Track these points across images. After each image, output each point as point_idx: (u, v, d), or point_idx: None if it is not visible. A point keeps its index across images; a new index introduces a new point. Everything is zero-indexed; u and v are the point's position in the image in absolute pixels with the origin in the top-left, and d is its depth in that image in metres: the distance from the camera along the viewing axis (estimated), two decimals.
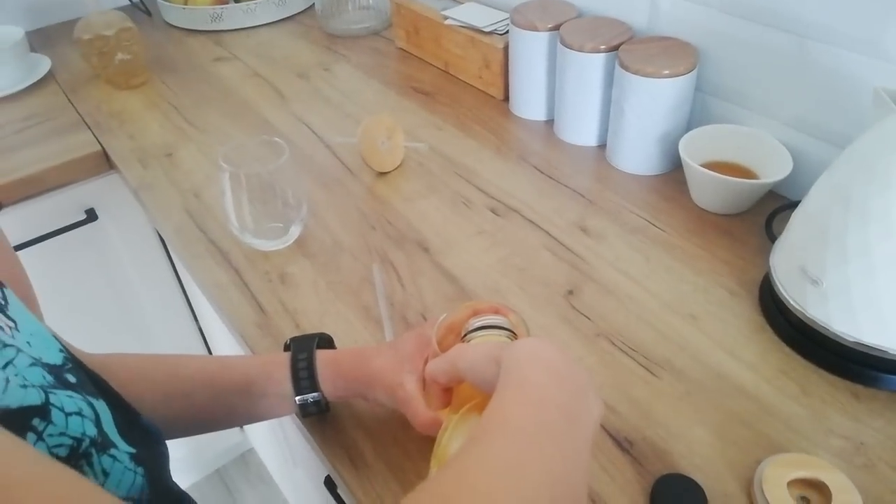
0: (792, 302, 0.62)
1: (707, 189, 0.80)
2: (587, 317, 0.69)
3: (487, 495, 0.29)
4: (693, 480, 0.53)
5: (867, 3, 0.67)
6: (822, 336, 0.60)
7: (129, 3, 1.44)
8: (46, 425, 0.34)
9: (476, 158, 0.93)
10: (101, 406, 0.40)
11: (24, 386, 0.34)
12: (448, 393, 0.46)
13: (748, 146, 0.81)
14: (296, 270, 0.77)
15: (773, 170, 0.77)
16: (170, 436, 0.52)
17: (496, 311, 0.51)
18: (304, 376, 0.55)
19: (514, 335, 0.48)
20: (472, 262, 0.76)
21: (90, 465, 0.37)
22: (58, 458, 0.34)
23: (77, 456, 0.36)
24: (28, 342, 0.39)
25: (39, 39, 1.31)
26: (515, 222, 0.81)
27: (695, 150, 0.80)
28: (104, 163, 1.02)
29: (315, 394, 0.55)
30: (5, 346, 0.35)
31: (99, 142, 1.02)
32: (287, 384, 0.55)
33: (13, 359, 0.35)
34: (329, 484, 0.68)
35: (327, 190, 0.89)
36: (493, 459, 0.31)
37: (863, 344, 0.58)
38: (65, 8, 1.39)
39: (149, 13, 1.43)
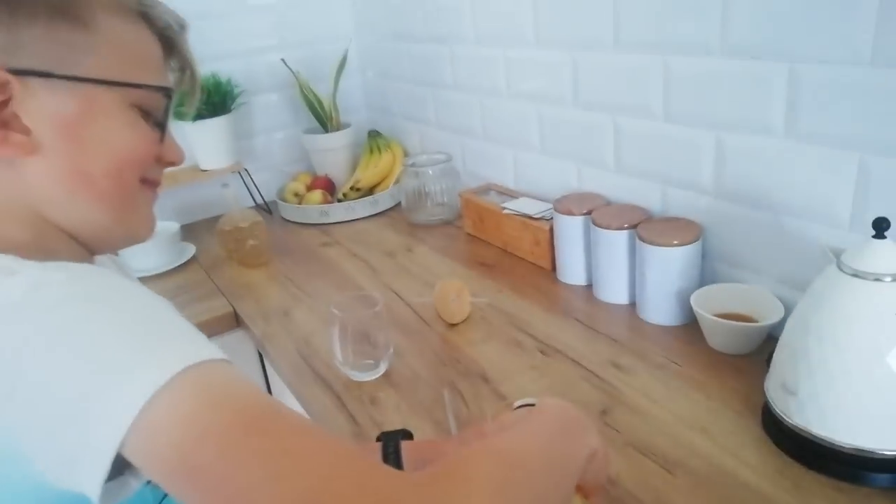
0: (779, 413, 0.77)
1: (717, 333, 0.98)
2: (617, 430, 0.85)
3: (500, 448, 0.47)
4: None
5: (818, 184, 0.89)
6: (806, 439, 0.74)
7: (254, 203, 1.83)
8: None
9: (529, 313, 1.15)
10: None
11: None
12: None
13: (748, 299, 1.00)
14: (383, 395, 0.97)
15: (769, 316, 0.95)
16: None
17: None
18: (391, 458, 0.73)
19: None
20: (524, 389, 0.94)
21: None
22: None
23: None
24: None
25: (186, 232, 1.68)
26: (560, 360, 1.01)
27: (706, 303, 0.99)
28: (234, 321, 1.29)
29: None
30: None
31: (231, 304, 1.30)
32: None
33: None
34: None
35: (408, 337, 1.11)
36: (515, 433, 0.51)
37: (836, 443, 0.72)
38: (206, 208, 1.79)
39: (270, 211, 1.81)
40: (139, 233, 0.64)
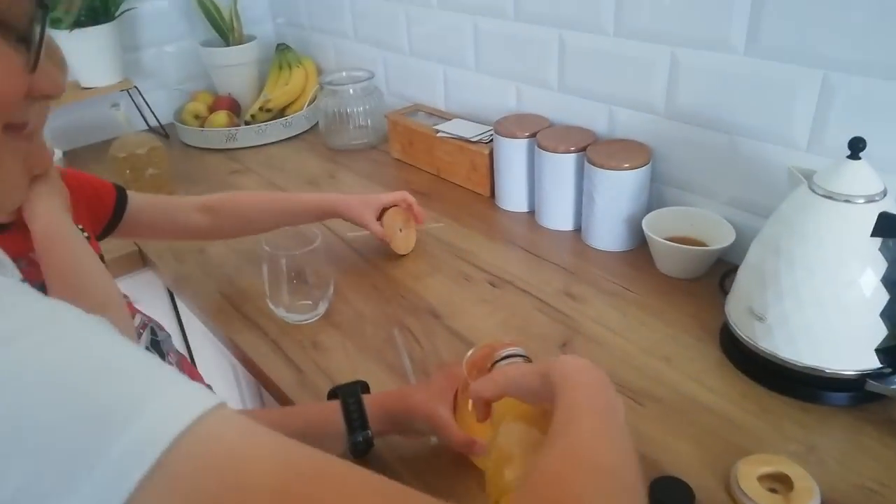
0: (745, 338, 0.76)
1: (669, 258, 0.96)
2: None
3: (592, 461, 0.39)
4: (682, 480, 0.64)
5: (777, 104, 0.87)
6: (771, 363, 0.74)
7: (147, 127, 1.63)
8: None
9: (472, 243, 1.08)
10: None
11: None
12: (486, 409, 0.58)
13: (698, 223, 0.98)
14: (325, 338, 0.88)
15: (720, 240, 0.94)
16: None
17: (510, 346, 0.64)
18: (355, 418, 0.66)
19: (530, 361, 0.61)
20: (477, 324, 0.89)
21: None
22: None
23: None
24: None
25: (71, 159, 1.47)
26: (510, 292, 0.96)
27: (656, 227, 0.97)
28: (140, 260, 1.14)
29: (366, 432, 0.66)
30: None
31: (135, 243, 1.15)
32: (341, 426, 0.66)
33: None
34: None
35: (347, 274, 1.02)
36: (587, 434, 0.41)
37: (803, 365, 0.72)
38: (91, 132, 1.57)
39: (167, 135, 1.61)
40: (5, 201, 0.45)
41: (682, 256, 0.94)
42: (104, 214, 0.85)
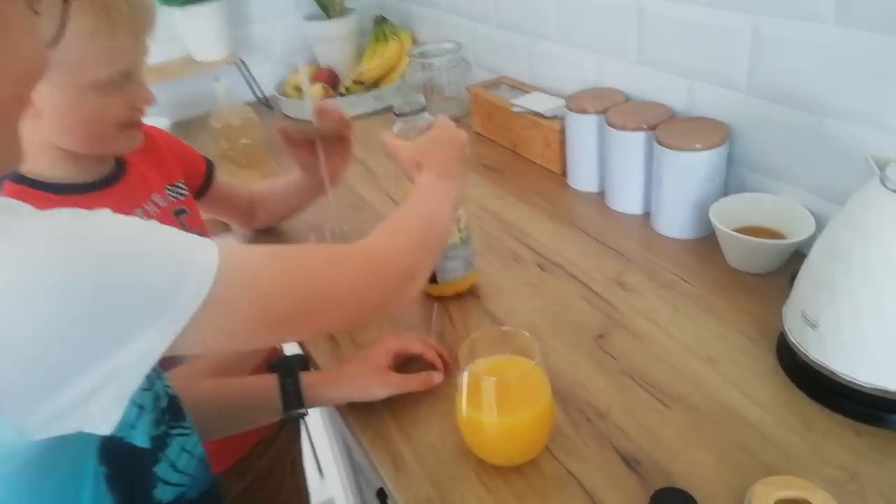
0: (797, 344, 0.68)
1: (735, 249, 0.87)
2: (613, 356, 0.77)
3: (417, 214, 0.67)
4: (687, 493, 0.59)
5: (871, 81, 0.75)
6: (824, 376, 0.66)
7: (254, 98, 1.72)
8: None
9: (531, 223, 1.05)
10: None
11: None
12: None
13: (776, 212, 0.88)
14: None
15: (799, 232, 0.84)
16: None
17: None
18: (292, 397, 0.70)
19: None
20: (516, 307, 0.87)
21: None
22: None
23: None
24: None
25: (179, 129, 1.59)
26: (559, 276, 0.92)
27: (727, 215, 0.88)
28: (226, 226, 1.22)
29: (301, 410, 0.71)
30: None
31: None
32: (278, 402, 0.70)
33: None
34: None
35: None
36: (418, 200, 0.70)
37: (858, 383, 0.63)
38: (200, 103, 1.68)
39: (270, 107, 1.70)
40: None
41: (748, 248, 0.85)
42: (196, 181, 0.93)
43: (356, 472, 1.17)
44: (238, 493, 0.92)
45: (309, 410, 0.72)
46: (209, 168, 0.96)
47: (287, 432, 1.03)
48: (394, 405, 0.73)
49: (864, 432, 0.64)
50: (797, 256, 0.85)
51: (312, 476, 1.71)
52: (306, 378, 0.71)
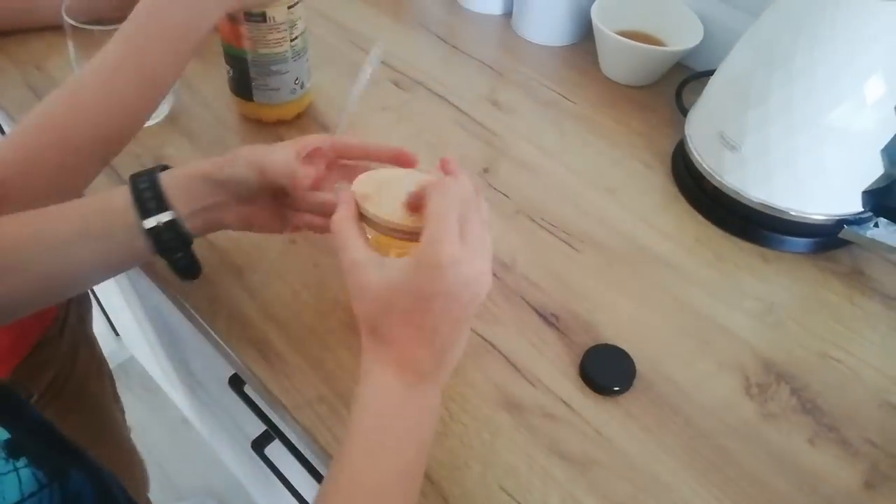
0: (708, 169, 0.62)
1: (619, 58, 0.77)
2: (505, 194, 0.65)
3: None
4: (621, 349, 0.53)
5: None
6: (734, 202, 0.61)
7: None
8: None
9: (374, 26, 0.84)
10: None
11: None
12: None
13: (658, 14, 0.78)
14: (173, 152, 0.66)
15: (684, 39, 0.75)
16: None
17: None
18: (148, 196, 0.45)
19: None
20: (379, 139, 0.69)
21: None
22: None
23: None
24: None
25: None
26: (422, 96, 0.75)
27: (605, 18, 0.76)
28: None
29: (166, 213, 0.45)
30: None
31: None
32: (131, 211, 0.45)
33: None
34: (235, 382, 0.62)
35: (201, 61, 0.76)
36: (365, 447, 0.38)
37: (773, 207, 0.59)
38: None
39: None
40: None
41: (635, 56, 0.75)
42: None
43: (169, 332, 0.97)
44: (46, 387, 0.71)
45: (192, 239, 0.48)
46: None
47: (76, 302, 0.80)
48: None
49: (770, 257, 0.61)
50: (678, 67, 0.78)
51: (106, 337, 1.46)
52: (174, 170, 0.47)
